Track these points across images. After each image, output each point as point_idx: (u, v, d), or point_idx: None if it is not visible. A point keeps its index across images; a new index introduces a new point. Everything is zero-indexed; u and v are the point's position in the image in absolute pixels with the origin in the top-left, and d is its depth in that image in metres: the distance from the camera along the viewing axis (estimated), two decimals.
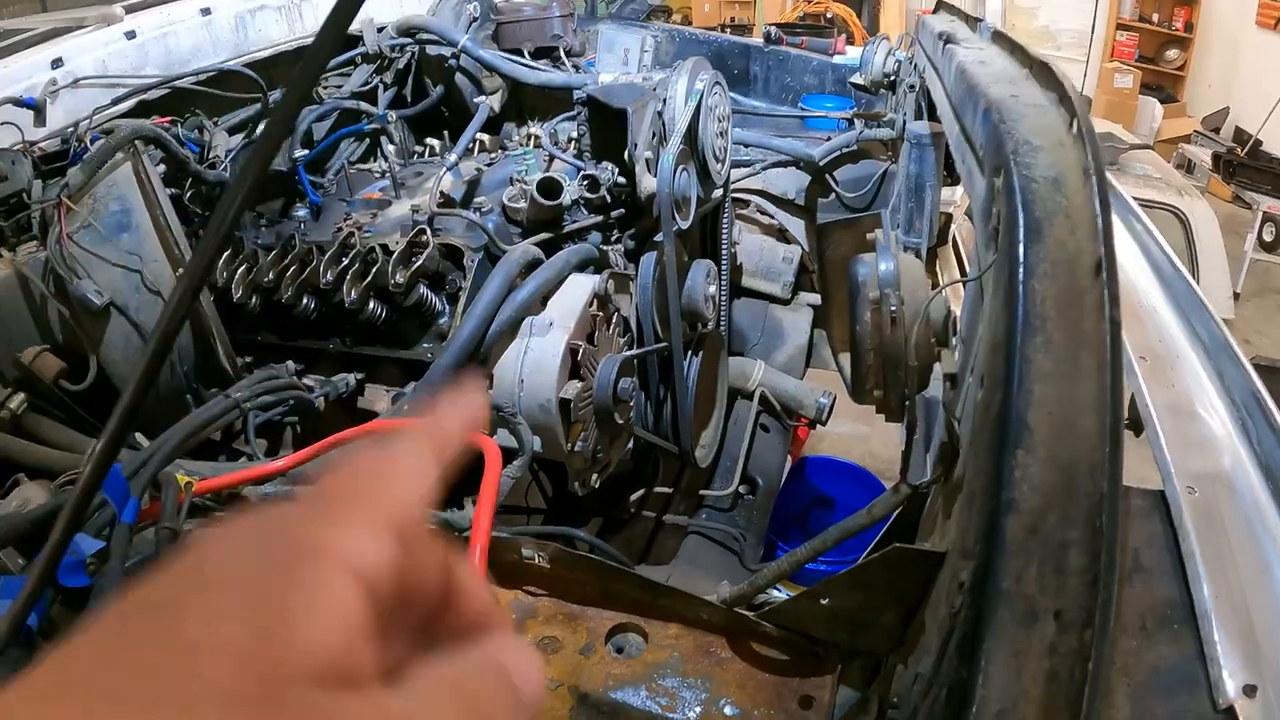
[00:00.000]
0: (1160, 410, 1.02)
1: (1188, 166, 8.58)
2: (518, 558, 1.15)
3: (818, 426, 2.63)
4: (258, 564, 0.31)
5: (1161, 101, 9.44)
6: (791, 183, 2.85)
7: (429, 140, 2.56)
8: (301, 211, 2.21)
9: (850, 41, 8.76)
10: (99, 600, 0.94)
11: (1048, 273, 0.78)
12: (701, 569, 2.10)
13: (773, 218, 2.84)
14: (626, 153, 1.80)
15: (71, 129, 2.10)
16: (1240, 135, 8.48)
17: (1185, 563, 0.83)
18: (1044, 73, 1.06)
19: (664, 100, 1.88)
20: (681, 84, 1.87)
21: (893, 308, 0.95)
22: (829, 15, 9.00)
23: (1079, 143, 0.88)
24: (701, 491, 2.27)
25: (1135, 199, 5.08)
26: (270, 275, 1.82)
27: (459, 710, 0.33)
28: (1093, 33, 9.90)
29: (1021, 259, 0.78)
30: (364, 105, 2.70)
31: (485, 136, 2.51)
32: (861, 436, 4.06)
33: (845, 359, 1.18)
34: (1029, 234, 0.80)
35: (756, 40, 3.37)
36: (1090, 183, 0.83)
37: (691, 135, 1.84)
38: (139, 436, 1.71)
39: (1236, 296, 6.62)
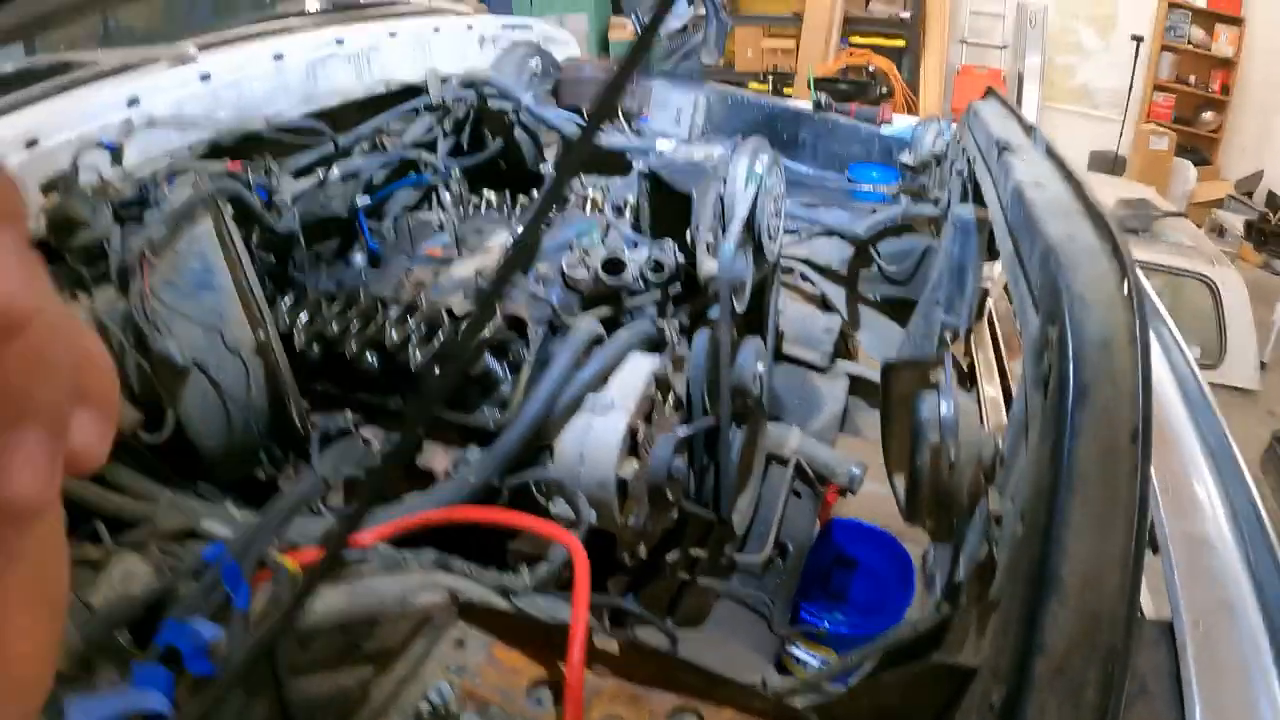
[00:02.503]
0: (1176, 540, 1.10)
1: (1219, 231, 8.63)
2: (591, 645, 1.23)
3: (847, 495, 2.70)
4: None
5: (1196, 164, 9.50)
6: (835, 252, 2.93)
7: (485, 192, 2.64)
8: (359, 257, 2.30)
9: (890, 95, 8.88)
10: (218, 688, 1.02)
11: (1091, 436, 0.86)
12: (733, 633, 2.18)
13: (816, 286, 2.93)
14: (688, 234, 1.89)
15: (150, 175, 2.19)
16: (1273, 199, 8.54)
17: (1184, 690, 0.92)
18: (1098, 220, 1.14)
19: (724, 180, 1.96)
20: (742, 166, 1.96)
21: (951, 456, 1.02)
22: (870, 68, 9.09)
23: (1129, 304, 0.96)
24: (735, 556, 2.34)
25: (1166, 267, 5.16)
26: (334, 326, 1.91)
27: None
28: (1130, 93, 9.96)
29: (1068, 422, 0.86)
30: (425, 155, 2.80)
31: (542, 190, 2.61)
32: (886, 496, 4.10)
33: (897, 478, 1.26)
34: (1077, 398, 0.87)
35: (806, 105, 3.46)
36: (1135, 350, 0.90)
37: (751, 219, 1.93)
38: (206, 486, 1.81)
39: (1263, 366, 6.66)
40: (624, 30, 9.23)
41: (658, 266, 1.89)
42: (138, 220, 2.12)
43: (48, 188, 2.06)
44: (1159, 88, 9.95)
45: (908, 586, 3.43)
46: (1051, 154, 1.61)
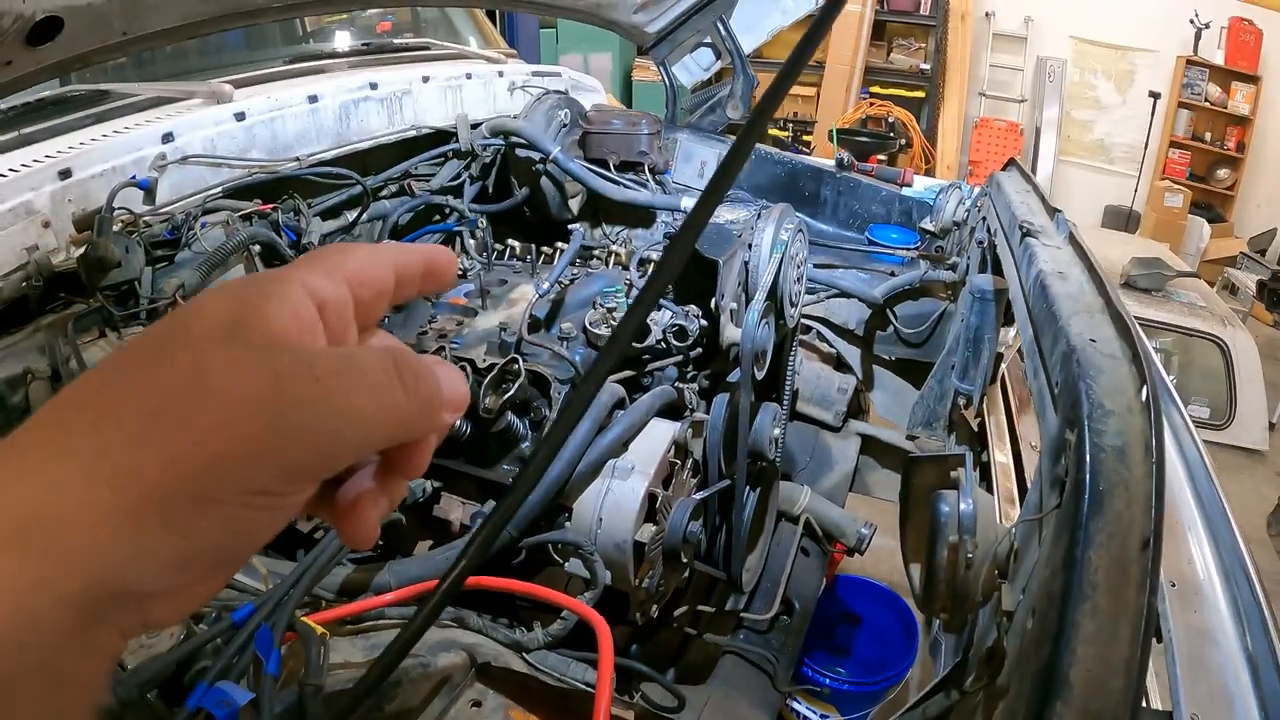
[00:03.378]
0: (1180, 635, 1.12)
1: (1232, 289, 8.67)
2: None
3: (855, 554, 2.72)
4: (243, 284, 0.49)
5: (1210, 221, 9.54)
6: (852, 313, 2.97)
7: (509, 241, 2.68)
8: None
9: (909, 146, 8.94)
10: None
11: (1103, 543, 0.89)
12: (737, 690, 2.19)
13: (831, 345, 2.97)
14: (713, 301, 1.92)
15: (183, 214, 2.22)
16: None
17: None
18: (1118, 320, 1.17)
19: (750, 247, 1.99)
20: (768, 235, 1.99)
21: (969, 554, 1.05)
22: (890, 119, 9.17)
23: (1145, 412, 0.99)
24: (741, 613, 2.36)
25: (1178, 327, 5.17)
26: None
27: (379, 366, 0.49)
28: (1146, 148, 10.03)
29: (1083, 530, 0.89)
30: (453, 202, 2.85)
31: (564, 245, 2.64)
32: (890, 551, 4.11)
33: (913, 567, 1.29)
34: (1092, 506, 0.91)
35: (827, 163, 3.50)
36: (1150, 459, 0.94)
37: (774, 286, 1.96)
38: None
39: (1273, 426, 6.67)
40: (648, 71, 9.31)
41: (681, 333, 1.92)
42: (169, 260, 2.16)
43: (82, 225, 2.10)
44: (1175, 144, 10.01)
45: (911, 644, 3.44)
46: (1074, 241, 1.64)
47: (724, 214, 2.22)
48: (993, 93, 10.41)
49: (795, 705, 3.28)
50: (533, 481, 0.59)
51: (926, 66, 10.02)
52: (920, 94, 9.95)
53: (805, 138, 9.58)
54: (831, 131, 8.54)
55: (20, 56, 1.55)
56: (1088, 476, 0.93)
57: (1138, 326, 1.14)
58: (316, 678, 1.13)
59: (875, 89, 9.91)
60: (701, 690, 2.14)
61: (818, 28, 0.59)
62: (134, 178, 2.22)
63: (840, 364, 2.98)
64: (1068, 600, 0.85)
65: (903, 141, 9.17)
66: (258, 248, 2.01)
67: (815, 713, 3.29)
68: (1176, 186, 9.66)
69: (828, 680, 3.20)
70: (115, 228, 2.07)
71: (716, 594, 2.42)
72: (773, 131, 9.41)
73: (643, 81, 9.68)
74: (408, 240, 2.61)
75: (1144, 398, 1.02)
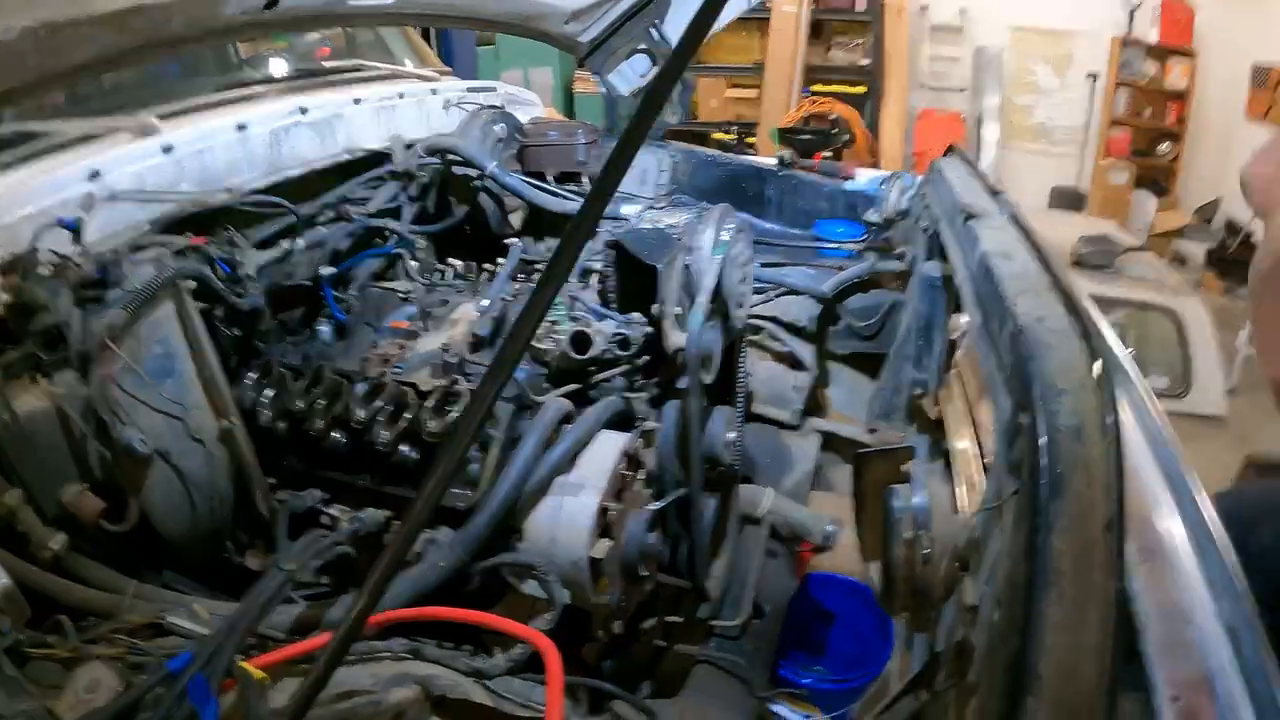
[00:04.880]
0: (1154, 614, 1.08)
1: (1181, 261, 8.75)
2: None
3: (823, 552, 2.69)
4: None
5: (1155, 194, 9.63)
6: (803, 310, 2.93)
7: (450, 260, 2.63)
8: (324, 328, 2.27)
9: (853, 142, 8.96)
10: None
11: (1065, 527, 0.85)
12: (712, 699, 2.14)
13: (784, 344, 2.93)
14: (655, 307, 1.88)
15: (111, 252, 2.15)
16: (1232, 226, 8.64)
17: None
18: (1066, 297, 1.14)
19: (690, 250, 1.95)
20: (708, 236, 1.95)
21: (925, 549, 1.01)
22: (833, 116, 9.16)
23: (1099, 389, 0.96)
24: (711, 621, 2.32)
25: (1130, 301, 5.20)
26: (300, 403, 1.89)
27: None
28: (1087, 129, 10.12)
29: (1043, 513, 0.86)
30: (391, 224, 2.79)
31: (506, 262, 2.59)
32: (855, 549, 4.09)
33: (872, 566, 1.25)
34: (1051, 489, 0.87)
35: (769, 162, 3.47)
36: (1107, 438, 0.90)
37: (718, 289, 1.92)
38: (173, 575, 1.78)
39: (1231, 392, 6.71)
40: (589, 83, 9.27)
41: (624, 342, 1.88)
42: (99, 301, 2.09)
43: (6, 268, 2.03)
44: (1116, 123, 10.08)
45: (887, 637, 3.40)
46: (1017, 221, 1.62)
47: (664, 218, 2.17)
48: (933, 84, 10.45)
49: (776, 708, 3.23)
50: (433, 499, 0.55)
51: (866, 62, 10.03)
52: (862, 89, 9.95)
53: (749, 140, 9.56)
54: (773, 132, 8.53)
55: None
56: (1044, 460, 0.90)
57: (1087, 302, 1.11)
58: None
59: (817, 87, 9.90)
60: (675, 703, 2.10)
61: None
62: (60, 219, 2.16)
63: (794, 362, 2.95)
64: (1033, 589, 0.82)
65: (846, 137, 9.17)
66: (190, 283, 1.94)
67: (797, 714, 3.25)
68: (1120, 164, 9.74)
69: (806, 680, 3.16)
70: (43, 270, 2.00)
71: (685, 604, 2.38)
72: (717, 135, 9.40)
73: (584, 93, 9.64)
74: (345, 266, 2.54)
75: (1096, 374, 0.98)
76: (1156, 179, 10.03)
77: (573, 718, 1.49)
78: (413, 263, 2.77)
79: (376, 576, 0.85)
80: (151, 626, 1.54)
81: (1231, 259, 8.15)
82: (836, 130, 8.89)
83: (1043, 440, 0.91)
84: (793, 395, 2.88)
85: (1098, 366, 0.99)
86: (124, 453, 1.69)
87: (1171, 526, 1.24)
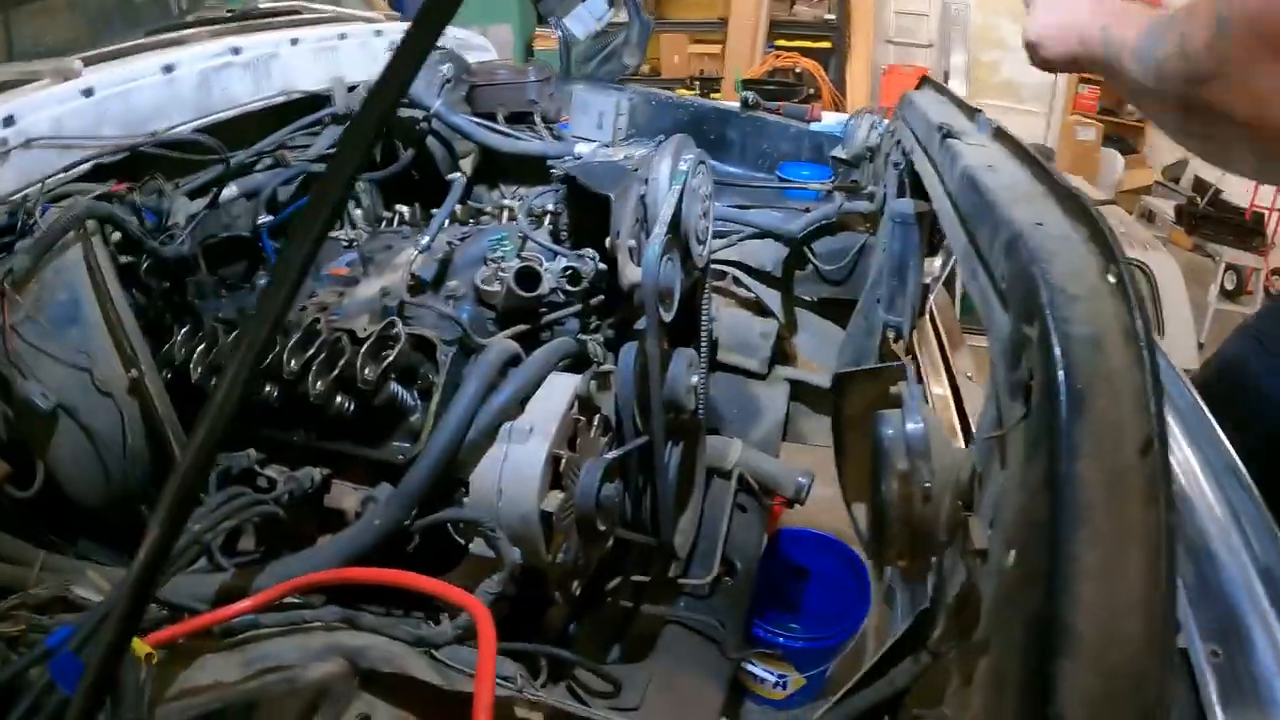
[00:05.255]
0: (1179, 560, 0.96)
1: (1149, 217, 8.71)
2: (510, 715, 1.06)
3: (795, 505, 2.56)
4: None
5: (1122, 153, 9.58)
6: (769, 255, 2.79)
7: (398, 207, 2.47)
8: (264, 281, 2.12)
9: (818, 96, 8.82)
10: None
11: (1092, 452, 0.71)
12: (683, 662, 2.02)
13: (749, 290, 2.79)
14: (609, 240, 1.73)
15: (21, 200, 1.99)
16: (1200, 184, 8.61)
17: None
18: (1068, 201, 1.00)
19: (646, 182, 1.80)
20: (665, 166, 1.81)
21: (925, 483, 0.87)
22: (798, 70, 9.01)
23: (1118, 293, 0.82)
24: (680, 580, 2.19)
25: None
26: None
27: None
28: (1054, 87, 10.01)
29: (1064, 436, 0.72)
30: None
31: (457, 205, 2.44)
32: (829, 500, 3.98)
33: (857, 507, 1.10)
34: (1072, 407, 0.73)
35: (733, 105, 3.33)
36: (1135, 346, 0.76)
37: (676, 221, 1.77)
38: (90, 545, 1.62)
39: (1201, 346, 6.68)
40: (549, 40, 9.05)
41: (574, 277, 1.72)
42: (8, 250, 1.93)
43: None
44: (1084, 80, 9.99)
45: (864, 591, 3.31)
46: (1001, 135, 1.47)
47: (619, 153, 2.03)
48: (899, 39, 10.30)
49: (751, 668, 3.14)
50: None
51: (831, 17, 9.88)
52: (827, 44, 9.80)
53: (713, 95, 9.40)
54: (738, 83, 8.38)
55: None
56: (1060, 372, 0.75)
57: (1095, 206, 0.96)
58: (134, 713, 0.91)
59: (781, 42, 9.75)
60: (644, 667, 1.97)
61: None
62: None
63: (760, 309, 2.81)
64: (1058, 528, 0.67)
65: (811, 92, 9.03)
66: (95, 224, 1.77)
67: (772, 673, 3.16)
68: (1087, 121, 9.66)
69: (781, 639, 3.07)
70: None
71: (652, 563, 2.25)
72: (680, 91, 9.23)
73: (544, 49, 9.43)
74: (285, 215, 2.38)
75: (1112, 278, 0.84)
76: (1124, 136, 9.97)
77: (528, 688, 1.35)
78: (356, 211, 2.62)
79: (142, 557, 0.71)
80: (60, 600, 1.39)
81: (1200, 215, 8.10)
82: (801, 85, 8.75)
83: (1056, 351, 0.77)
84: (759, 342, 2.74)
85: (1114, 270, 0.84)
86: (25, 409, 1.53)
87: (1190, 459, 1.12)
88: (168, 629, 1.10)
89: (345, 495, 1.68)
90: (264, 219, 2.27)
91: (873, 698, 0.87)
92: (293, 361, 1.66)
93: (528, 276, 1.73)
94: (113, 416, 1.66)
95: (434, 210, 2.39)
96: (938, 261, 2.92)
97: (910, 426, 0.91)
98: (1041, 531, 0.70)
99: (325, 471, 1.71)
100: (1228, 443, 1.14)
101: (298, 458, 1.74)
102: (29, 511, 1.60)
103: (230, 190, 2.38)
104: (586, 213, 1.78)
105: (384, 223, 2.44)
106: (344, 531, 1.51)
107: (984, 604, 0.79)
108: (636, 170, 1.83)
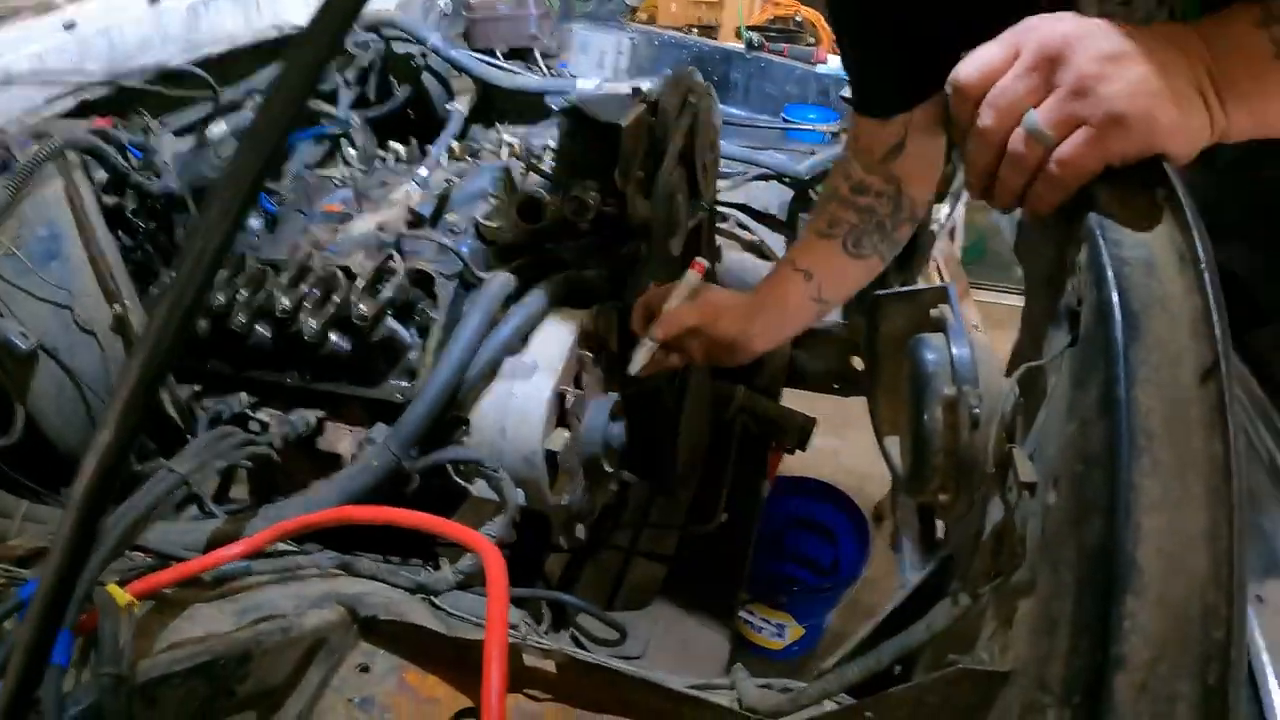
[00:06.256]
0: None
1: None
2: (519, 663, 1.01)
3: (796, 451, 2.52)
4: None
5: None
6: (774, 197, 2.74)
7: (393, 145, 2.40)
8: (255, 222, 2.04)
9: (818, 43, 8.69)
10: None
11: (1150, 378, 0.66)
12: (686, 610, 1.98)
13: (753, 233, 2.73)
14: (617, 171, 1.66)
15: (2, 137, 1.92)
16: None
17: (1257, 678, 0.74)
18: None
19: (654, 114, 1.74)
20: (674, 96, 1.74)
21: (974, 407, 0.81)
22: (798, 19, 8.86)
23: (1171, 213, 0.76)
24: (682, 526, 2.15)
25: None
26: (220, 298, 1.66)
27: None
28: None
29: (1122, 361, 0.66)
30: (325, 106, 2.55)
31: (455, 143, 2.37)
32: (832, 450, 3.95)
33: (890, 441, 1.04)
34: (1128, 329, 0.68)
35: (738, 46, 3.26)
36: (1193, 268, 0.71)
37: (684, 153, 1.71)
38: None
39: None
40: None
41: (581, 207, 1.65)
42: None
43: None
44: None
45: (863, 540, 3.28)
46: None
47: (623, 87, 1.95)
48: None
49: (748, 617, 3.12)
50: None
51: None
52: None
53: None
54: (739, 29, 8.25)
55: None
56: (1113, 294, 0.70)
57: None
58: (114, 665, 0.86)
59: None
60: (647, 615, 1.93)
61: None
62: None
63: (763, 253, 2.75)
64: (1117, 457, 0.62)
65: (811, 40, 8.89)
66: (78, 157, 1.70)
67: (770, 622, 3.14)
68: None
69: (783, 597, 3.05)
70: None
71: (657, 510, 2.21)
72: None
73: None
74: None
75: (1160, 197, 0.78)
76: None
77: (532, 636, 1.30)
78: (351, 150, 2.54)
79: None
80: (42, 552, 1.34)
81: None
82: (801, 32, 8.63)
83: (1109, 272, 0.71)
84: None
85: (1161, 191, 0.78)
86: (4, 351, 1.47)
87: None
88: (153, 577, 1.04)
89: (341, 437, 1.63)
90: None
91: (908, 642, 0.82)
92: (285, 299, 1.60)
93: (530, 206, 1.66)
94: (96, 356, 1.60)
95: (430, 146, 2.33)
96: (944, 209, 2.87)
97: (957, 350, 0.85)
98: (1097, 461, 0.65)
99: (320, 414, 1.65)
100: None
101: (291, 400, 1.68)
102: (9, 459, 1.54)
103: (220, 128, 2.30)
104: (591, 144, 1.70)
105: (378, 161, 2.37)
106: (340, 473, 1.46)
107: (1028, 541, 0.74)
108: (643, 100, 1.76)
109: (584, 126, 1.71)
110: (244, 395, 1.70)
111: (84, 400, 1.59)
